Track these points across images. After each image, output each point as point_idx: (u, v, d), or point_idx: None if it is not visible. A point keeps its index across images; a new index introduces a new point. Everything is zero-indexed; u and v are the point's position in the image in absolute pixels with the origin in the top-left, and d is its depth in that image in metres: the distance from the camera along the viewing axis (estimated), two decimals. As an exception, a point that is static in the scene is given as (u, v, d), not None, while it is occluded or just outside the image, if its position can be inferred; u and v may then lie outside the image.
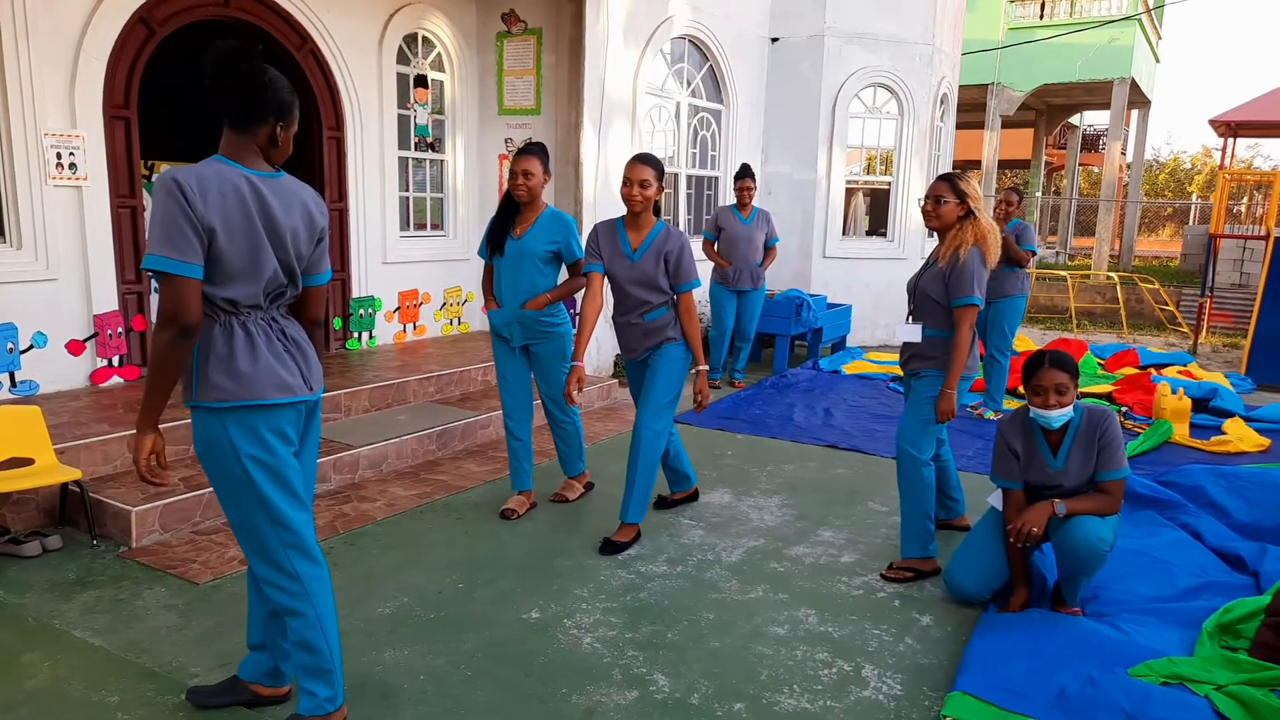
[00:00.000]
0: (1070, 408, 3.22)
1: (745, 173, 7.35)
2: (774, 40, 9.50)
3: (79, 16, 5.02)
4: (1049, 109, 21.53)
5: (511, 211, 4.18)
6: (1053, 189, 29.30)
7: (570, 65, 7.11)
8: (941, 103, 10.21)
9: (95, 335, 5.25)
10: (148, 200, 6.42)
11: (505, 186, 4.21)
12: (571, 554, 3.93)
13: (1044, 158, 22.84)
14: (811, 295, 8.51)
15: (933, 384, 3.68)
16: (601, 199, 7.34)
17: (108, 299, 5.28)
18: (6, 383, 4.88)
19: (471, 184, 7.73)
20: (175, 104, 7.51)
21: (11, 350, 4.88)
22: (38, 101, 4.87)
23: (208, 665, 2.90)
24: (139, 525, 3.82)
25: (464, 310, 7.78)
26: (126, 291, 5.41)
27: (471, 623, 3.26)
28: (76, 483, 3.84)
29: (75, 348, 5.19)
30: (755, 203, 7.83)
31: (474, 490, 4.75)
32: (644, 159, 3.92)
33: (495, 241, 4.20)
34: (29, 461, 3.82)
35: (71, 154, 5.05)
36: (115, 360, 5.37)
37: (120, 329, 5.37)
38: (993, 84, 17.47)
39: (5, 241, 4.89)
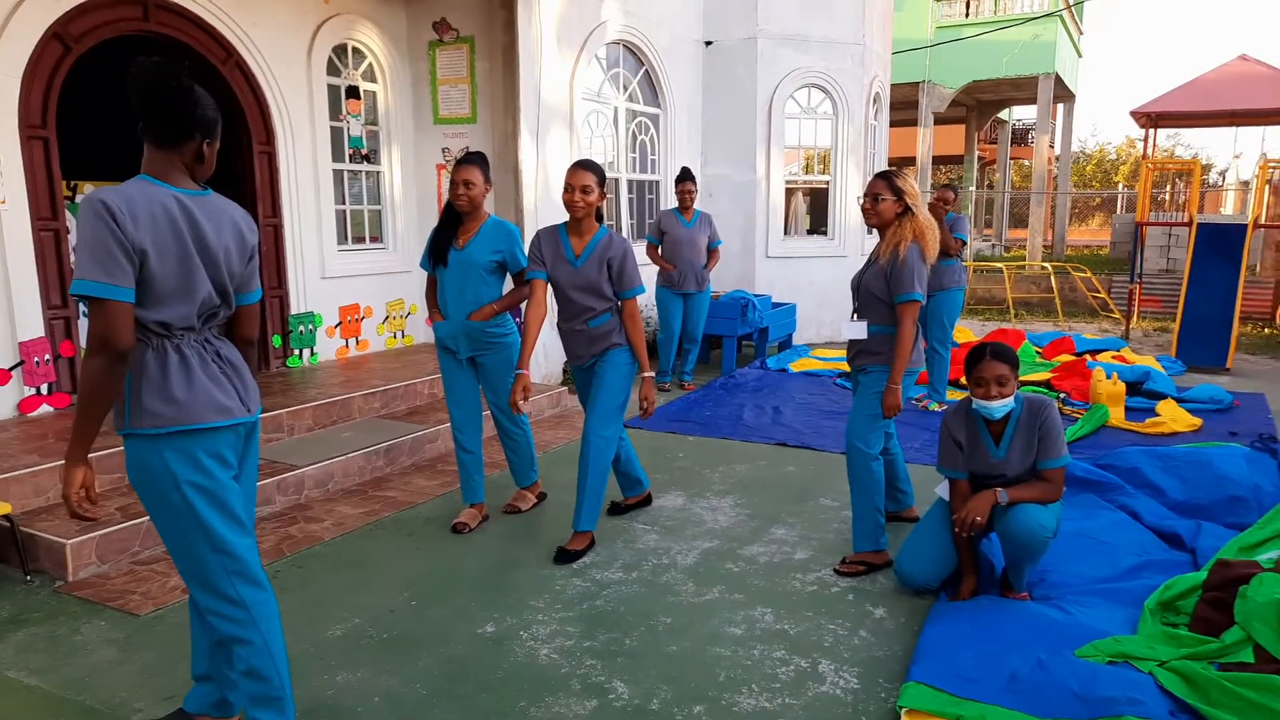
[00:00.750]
0: (1011, 398, 3.29)
1: (685, 176, 7.38)
2: (708, 44, 9.57)
3: (-10, 34, 4.84)
4: (979, 105, 22.07)
5: (453, 222, 4.14)
6: (986, 183, 30.02)
7: (504, 73, 7.07)
8: (874, 101, 10.39)
9: (21, 363, 5.06)
10: (71, 222, 6.21)
11: (446, 197, 4.16)
12: (526, 565, 3.89)
13: (976, 152, 23.40)
14: (756, 295, 8.58)
15: (879, 379, 3.73)
16: (542, 206, 7.31)
17: (33, 325, 5.10)
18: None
19: (410, 195, 7.63)
20: (98, 122, 7.29)
21: (-70, 383, 4.67)
22: (-51, 123, 4.68)
23: (151, 699, 2.80)
24: (75, 558, 3.68)
25: (407, 323, 7.68)
26: (53, 317, 5.22)
27: (426, 641, 3.21)
28: (6, 517, 3.69)
29: (1, 377, 4.99)
30: (697, 205, 7.88)
31: (424, 505, 4.68)
32: (585, 165, 3.91)
33: (438, 252, 4.14)
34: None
35: (-12, 176, 4.86)
36: (44, 388, 5.18)
37: (47, 356, 5.18)
38: (924, 82, 17.84)
39: (-81, 269, 4.69)
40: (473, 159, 4.08)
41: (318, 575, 3.78)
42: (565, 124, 7.60)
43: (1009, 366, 3.28)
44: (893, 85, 11.93)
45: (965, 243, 6.65)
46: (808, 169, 10.09)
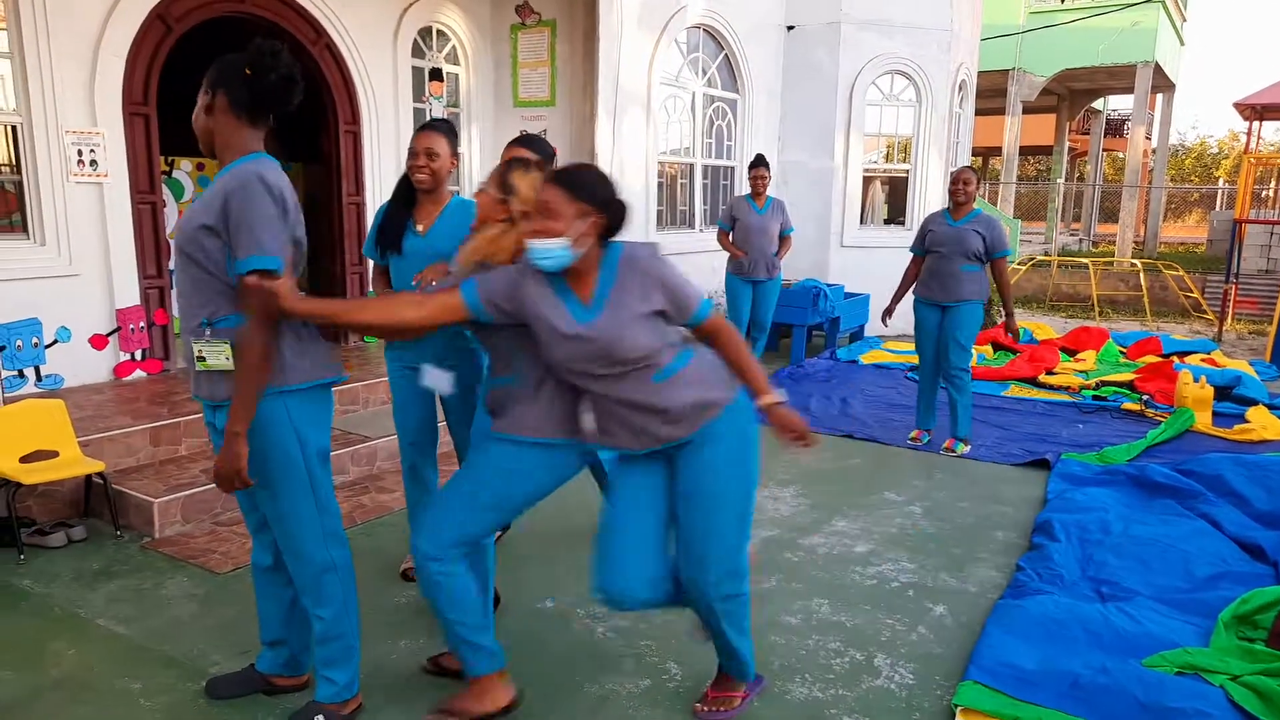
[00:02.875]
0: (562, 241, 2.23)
1: (759, 162, 7.32)
2: (790, 28, 9.44)
3: (98, 15, 5.08)
4: (1071, 94, 21.27)
5: (408, 202, 3.22)
6: (1076, 175, 28.96)
7: (584, 56, 7.11)
8: (960, 89, 10.12)
9: (118, 330, 5.33)
10: (168, 195, 6.49)
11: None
12: (585, 544, 3.94)
13: (1067, 143, 22.58)
14: (829, 284, 8.48)
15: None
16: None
17: (130, 294, 5.36)
18: (32, 377, 4.96)
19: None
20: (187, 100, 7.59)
21: (36, 345, 4.96)
22: (59, 99, 4.93)
23: (228, 654, 2.95)
24: (161, 516, 3.89)
25: (481, 302, 7.81)
26: (148, 286, 5.48)
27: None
28: (100, 475, 3.91)
29: (98, 342, 5.27)
30: (771, 192, 7.80)
31: (490, 481, 4.78)
32: (431, 125, 3.21)
33: (390, 238, 3.22)
34: (54, 454, 3.88)
35: (92, 151, 5.12)
36: (138, 354, 5.45)
37: (142, 323, 5.44)
38: (1013, 69, 17.27)
39: (29, 238, 4.97)
40: (437, 125, 3.24)
41: (386, 544, 3.90)
42: (642, 108, 7.61)
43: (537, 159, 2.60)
44: (980, 73, 11.57)
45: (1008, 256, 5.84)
46: (888, 157, 9.90)
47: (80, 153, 5.07)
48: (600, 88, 7.07)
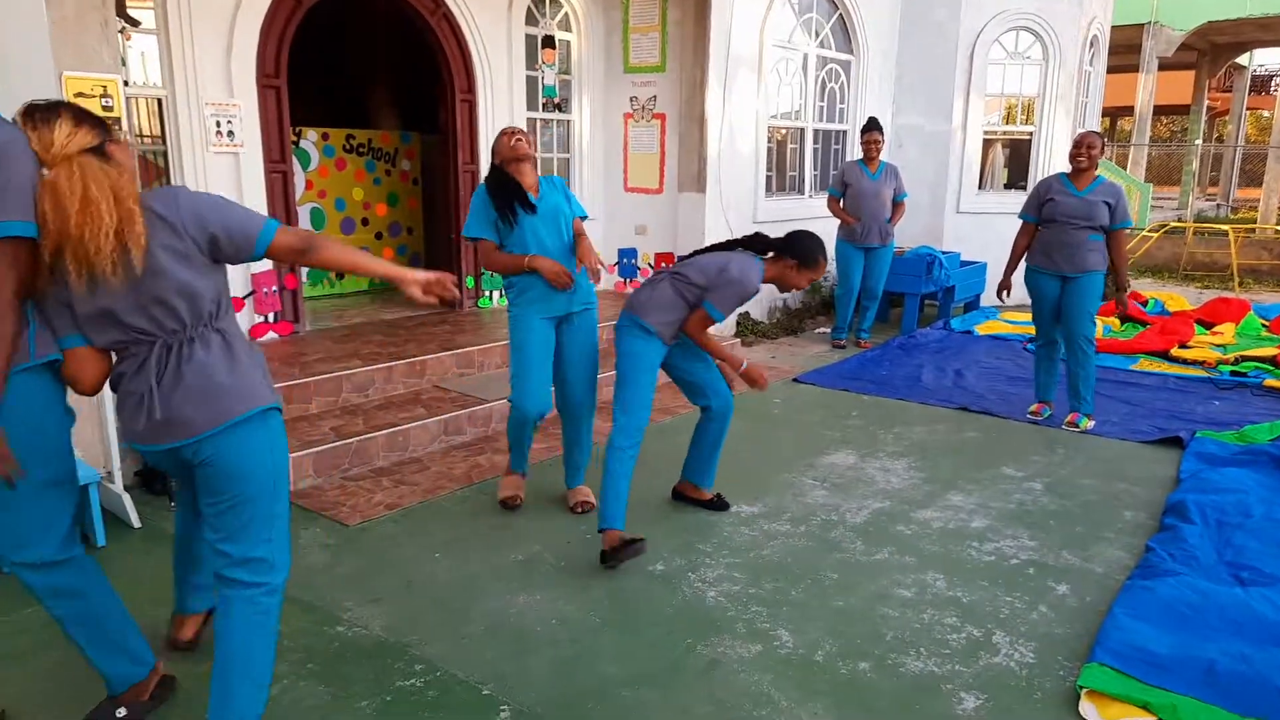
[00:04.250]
0: None
1: (872, 126, 7.12)
2: (908, -15, 9.08)
3: (234, -9, 5.32)
4: (1213, 49, 19.77)
5: (507, 179, 3.67)
6: (1215, 136, 27.03)
7: (695, 20, 7.03)
8: (1091, 45, 9.56)
9: (252, 293, 5.63)
10: (297, 165, 6.78)
11: (501, 158, 3.69)
12: (693, 509, 3.98)
13: (1206, 102, 21.06)
14: (944, 252, 8.21)
15: None
16: (726, 154, 7.28)
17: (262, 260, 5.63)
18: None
19: (597, 144, 7.78)
20: (316, 73, 7.87)
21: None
22: (199, 73, 5.20)
23: (358, 600, 3.12)
24: (296, 470, 4.12)
25: (589, 269, 7.89)
26: (279, 252, 5.75)
27: (599, 572, 3.37)
28: (240, 429, 4.15)
29: (235, 305, 5.57)
30: (884, 156, 7.57)
31: (600, 444, 4.86)
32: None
33: (520, 206, 3.65)
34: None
35: (230, 122, 5.39)
36: (270, 316, 5.75)
37: (274, 287, 5.73)
38: (1149, 23, 16.16)
39: (173, 206, 5.28)
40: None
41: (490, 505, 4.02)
42: (754, 72, 7.49)
43: None
44: (1113, 27, 10.87)
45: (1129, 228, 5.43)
46: (1008, 118, 9.45)
47: (219, 124, 5.34)
48: (711, 52, 6.98)
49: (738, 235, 7.07)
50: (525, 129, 6.95)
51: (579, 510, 3.96)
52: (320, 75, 8.00)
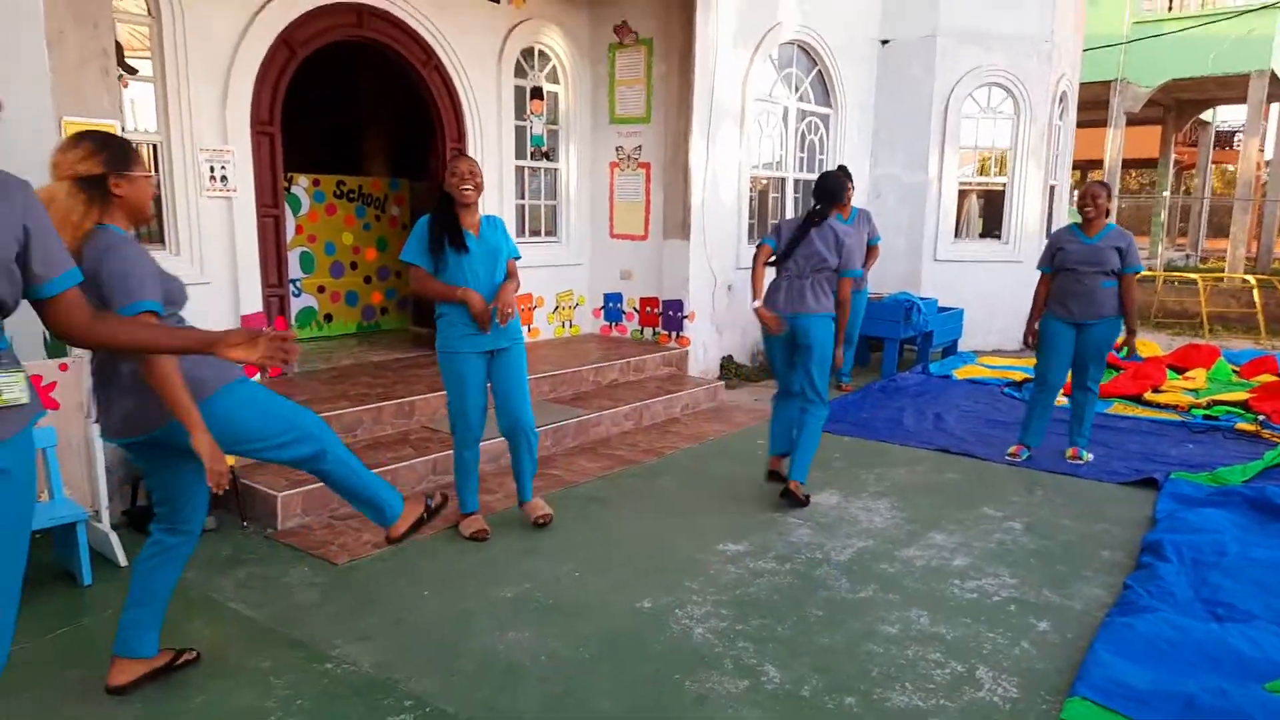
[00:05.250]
0: None
1: (841, 174, 7.30)
2: (884, 42, 9.40)
3: (230, 40, 5.45)
4: (1178, 105, 20.43)
5: (452, 215, 3.91)
6: (1182, 189, 27.75)
7: (680, 74, 7.24)
8: (1060, 101, 9.89)
9: (241, 335, 5.66)
10: (288, 210, 6.87)
11: (452, 190, 3.87)
12: (680, 547, 4.02)
13: (1173, 156, 21.69)
14: (922, 298, 8.37)
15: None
16: (710, 203, 7.44)
17: (253, 301, 5.69)
18: (165, 378, 5.31)
19: (583, 191, 7.93)
20: (310, 120, 8.01)
21: (169, 348, 5.31)
22: (195, 120, 5.30)
23: (347, 638, 3.13)
24: (284, 509, 4.13)
25: (574, 313, 7.99)
26: (270, 294, 5.81)
27: (588, 609, 3.40)
28: (230, 469, 4.17)
29: (223, 346, 5.60)
30: (861, 204, 7.75)
31: (587, 484, 4.91)
32: (466, 154, 4.07)
33: (454, 242, 3.87)
34: (188, 449, 4.16)
35: (223, 167, 5.48)
36: (258, 358, 5.77)
37: (264, 329, 5.76)
38: (1116, 80, 16.71)
39: (166, 248, 5.34)
40: (464, 153, 4.07)
41: (491, 542, 4.05)
42: (736, 124, 7.69)
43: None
44: (1082, 84, 11.26)
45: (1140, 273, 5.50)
46: (983, 170, 9.73)
47: (212, 169, 5.43)
48: (695, 104, 7.18)
49: (720, 279, 7.23)
50: (504, 173, 7.11)
51: (542, 523, 4.23)
52: (314, 122, 8.14)
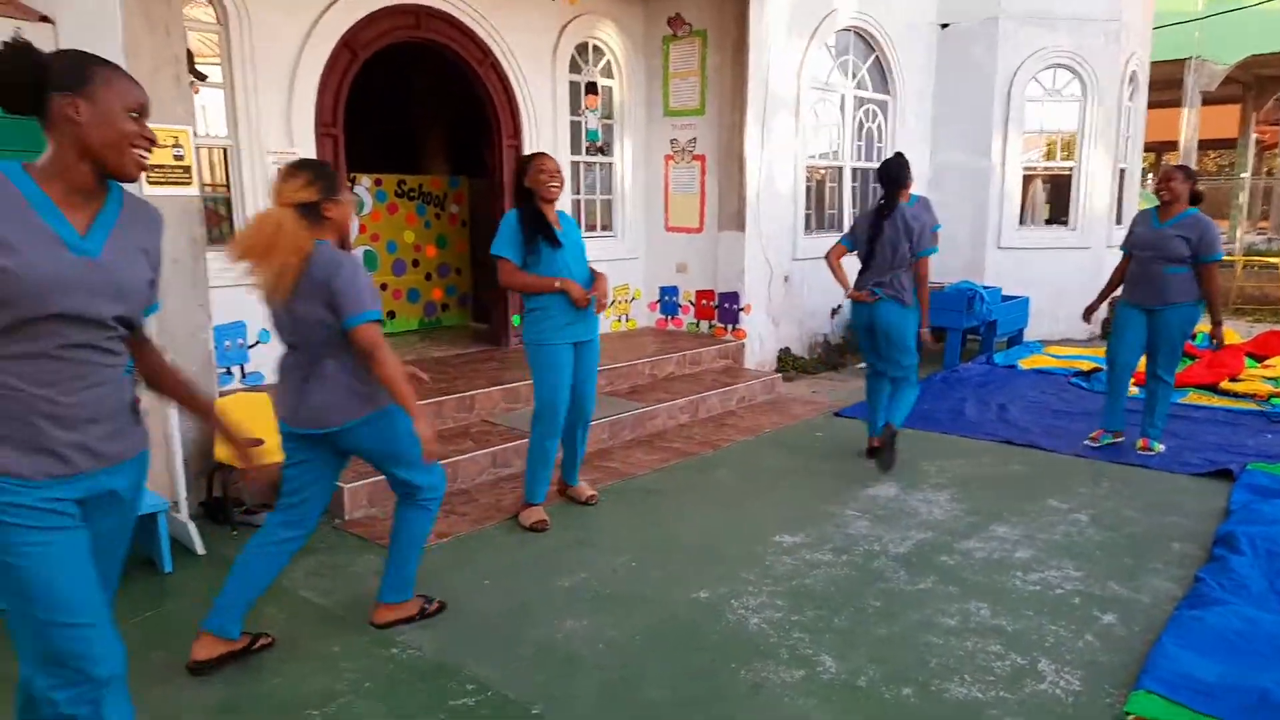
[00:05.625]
0: None
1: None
2: (944, 26, 9.22)
3: (294, 45, 5.60)
4: (1259, 81, 19.55)
5: (539, 210, 4.04)
6: (1265, 170, 26.60)
7: (734, 64, 7.21)
8: (1130, 81, 9.57)
9: (308, 332, 5.83)
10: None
11: (536, 193, 4.02)
12: (736, 539, 4.04)
13: (1254, 135, 20.78)
14: (985, 287, 8.21)
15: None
16: (765, 194, 7.40)
17: (318, 299, 5.85)
18: (238, 374, 5.51)
19: (638, 185, 7.96)
20: (371, 121, 8.19)
21: (241, 345, 5.51)
22: (262, 123, 5.47)
23: (412, 625, 3.21)
24: (350, 501, 4.26)
25: (630, 307, 8.04)
26: (333, 292, 5.97)
27: (644, 599, 3.44)
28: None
29: (291, 343, 5.78)
30: (921, 192, 7.62)
31: (644, 477, 4.95)
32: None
33: (547, 237, 4.00)
34: (260, 442, 4.30)
35: (288, 170, 5.64)
36: (324, 354, 5.94)
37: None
38: (1191, 58, 16.08)
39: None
40: (545, 153, 4.17)
41: (549, 534, 4.11)
42: (791, 113, 7.64)
43: None
44: (1154, 63, 10.87)
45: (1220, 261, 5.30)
46: (1049, 154, 9.48)
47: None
48: (750, 95, 7.15)
49: (777, 270, 7.28)
50: (569, 172, 7.19)
51: (592, 502, 4.46)
52: (376, 123, 8.33)
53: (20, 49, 1.76)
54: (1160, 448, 5.31)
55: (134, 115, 1.82)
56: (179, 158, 4.23)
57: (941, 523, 4.24)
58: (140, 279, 1.90)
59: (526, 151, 6.98)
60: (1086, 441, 5.47)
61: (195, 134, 5.29)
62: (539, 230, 4.00)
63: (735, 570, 3.71)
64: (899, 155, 6.13)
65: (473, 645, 3.08)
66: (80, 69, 1.77)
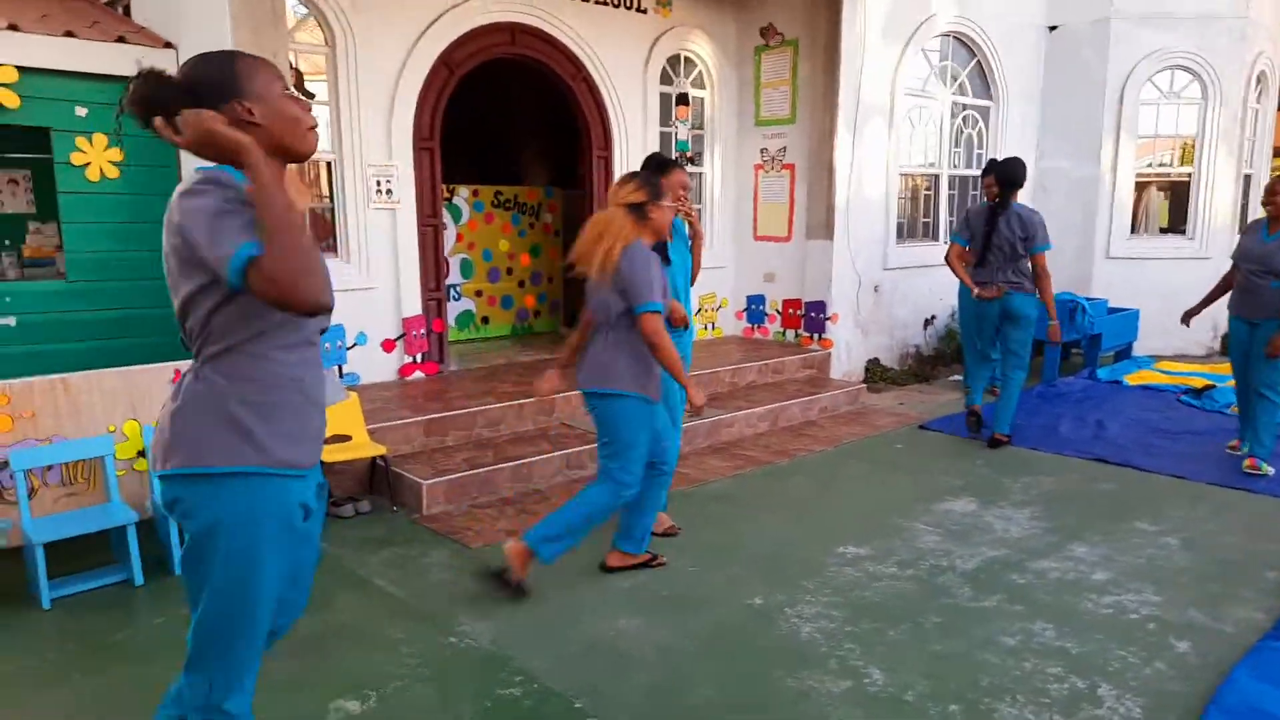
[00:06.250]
0: None
1: (988, 169, 6.96)
2: (1052, 28, 8.89)
3: (395, 63, 5.91)
4: None
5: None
6: None
7: (825, 72, 7.17)
8: (1259, 82, 9.00)
9: (403, 335, 6.14)
10: (449, 219, 7.36)
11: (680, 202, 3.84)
12: (801, 549, 4.03)
13: None
14: (1088, 299, 7.87)
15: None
16: (854, 202, 7.32)
17: (413, 305, 6.15)
18: (335, 374, 5.84)
19: (728, 195, 8.00)
20: (469, 135, 8.52)
21: (340, 347, 5.84)
22: (363, 138, 5.79)
23: (472, 615, 3.36)
24: (428, 496, 4.46)
25: (717, 316, 8.07)
26: (429, 299, 6.25)
27: (700, 603, 3.48)
28: (382, 458, 4.56)
29: (388, 346, 6.09)
30: (1027, 201, 7.35)
31: (715, 483, 4.98)
32: (679, 163, 4.04)
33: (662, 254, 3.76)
34: (347, 438, 4.58)
35: (388, 181, 5.96)
36: (418, 357, 6.23)
37: (423, 330, 6.22)
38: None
39: (337, 256, 5.87)
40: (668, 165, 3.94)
41: (612, 535, 4.20)
42: (885, 120, 7.53)
43: None
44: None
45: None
46: (1173, 159, 9.00)
47: (379, 183, 5.92)
48: (841, 102, 7.10)
49: (866, 279, 7.31)
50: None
51: (676, 532, 4.22)
52: (473, 137, 8.66)
53: (155, 75, 1.72)
54: (1269, 470, 5.01)
55: (288, 93, 1.82)
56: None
57: (1017, 541, 4.12)
58: None
59: (616, 161, 7.15)
60: (1228, 448, 5.52)
61: (300, 149, 5.67)
62: (660, 252, 3.62)
63: (796, 579, 3.71)
64: (1017, 158, 6.09)
65: (527, 638, 3.19)
66: (232, 72, 1.75)
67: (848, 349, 7.44)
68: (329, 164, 5.79)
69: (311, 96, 5.72)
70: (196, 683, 1.84)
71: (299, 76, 5.63)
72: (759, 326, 7.94)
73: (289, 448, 1.78)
